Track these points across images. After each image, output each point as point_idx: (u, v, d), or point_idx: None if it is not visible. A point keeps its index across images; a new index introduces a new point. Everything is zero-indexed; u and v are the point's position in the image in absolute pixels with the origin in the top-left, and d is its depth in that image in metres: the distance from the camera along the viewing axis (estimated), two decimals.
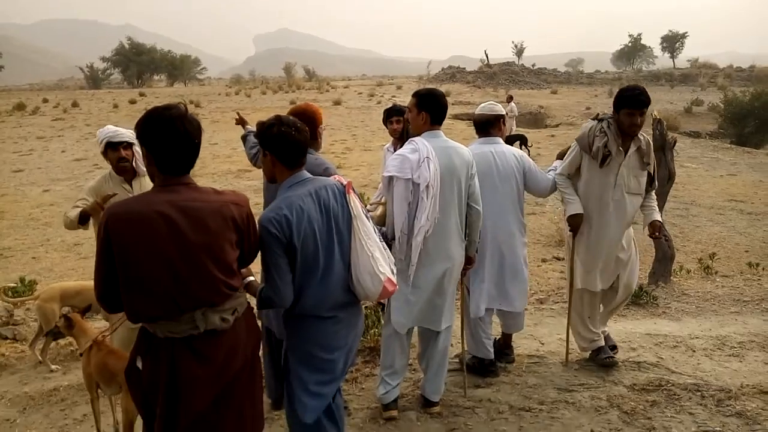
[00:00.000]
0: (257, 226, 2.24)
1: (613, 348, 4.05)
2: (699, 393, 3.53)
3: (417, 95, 3.23)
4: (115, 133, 3.53)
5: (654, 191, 3.84)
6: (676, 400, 3.45)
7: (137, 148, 3.61)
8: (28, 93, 44.19)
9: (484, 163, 3.59)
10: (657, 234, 3.79)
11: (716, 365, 3.97)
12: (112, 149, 3.51)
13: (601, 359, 3.87)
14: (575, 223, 3.73)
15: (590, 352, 3.98)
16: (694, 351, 4.19)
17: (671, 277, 5.99)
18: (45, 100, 33.30)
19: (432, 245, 3.06)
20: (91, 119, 24.11)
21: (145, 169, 3.65)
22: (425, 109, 3.16)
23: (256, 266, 2.31)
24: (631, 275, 3.86)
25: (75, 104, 30.47)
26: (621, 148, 3.57)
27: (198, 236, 1.97)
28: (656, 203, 3.88)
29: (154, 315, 1.99)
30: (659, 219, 3.81)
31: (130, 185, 3.57)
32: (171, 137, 1.97)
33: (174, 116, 1.98)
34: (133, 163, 3.58)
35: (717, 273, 6.31)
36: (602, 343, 3.94)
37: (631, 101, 3.48)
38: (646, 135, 3.69)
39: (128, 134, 3.54)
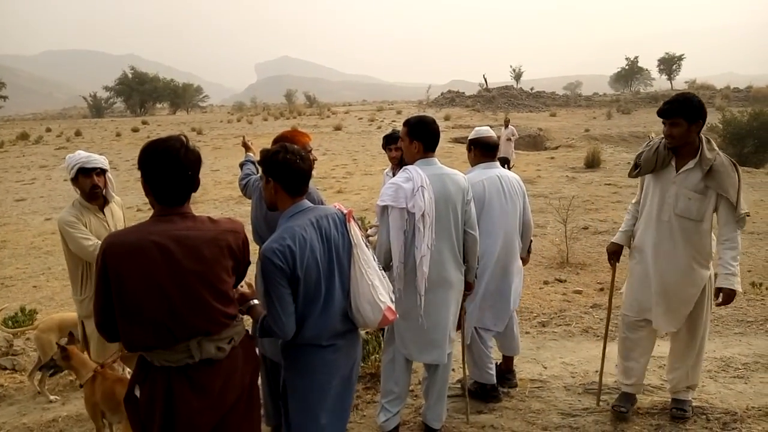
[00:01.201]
0: (260, 257, 2.25)
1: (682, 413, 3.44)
2: (704, 416, 3.48)
3: (408, 124, 3.15)
4: (89, 158, 3.32)
5: (737, 231, 3.21)
6: (681, 424, 3.40)
7: (110, 175, 3.48)
8: (32, 123, 44.66)
9: (493, 187, 3.58)
10: (720, 302, 3.23)
11: (721, 387, 3.92)
12: (84, 176, 3.31)
13: (613, 405, 3.54)
14: (609, 249, 3.63)
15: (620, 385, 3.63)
16: None
17: None
18: (48, 130, 33.65)
19: (429, 272, 3.02)
20: (93, 147, 24.26)
21: (114, 194, 3.60)
22: (417, 138, 3.09)
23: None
24: (690, 317, 3.36)
25: (78, 133, 30.77)
26: (673, 164, 3.28)
27: (193, 265, 1.98)
28: (735, 257, 3.21)
29: (149, 344, 1.99)
30: (734, 287, 3.16)
31: (103, 213, 3.44)
32: (165, 168, 1.99)
33: (169, 148, 2.00)
34: (104, 191, 3.43)
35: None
36: (634, 391, 3.60)
37: (660, 109, 3.25)
38: (722, 155, 3.27)
39: (101, 160, 3.38)
